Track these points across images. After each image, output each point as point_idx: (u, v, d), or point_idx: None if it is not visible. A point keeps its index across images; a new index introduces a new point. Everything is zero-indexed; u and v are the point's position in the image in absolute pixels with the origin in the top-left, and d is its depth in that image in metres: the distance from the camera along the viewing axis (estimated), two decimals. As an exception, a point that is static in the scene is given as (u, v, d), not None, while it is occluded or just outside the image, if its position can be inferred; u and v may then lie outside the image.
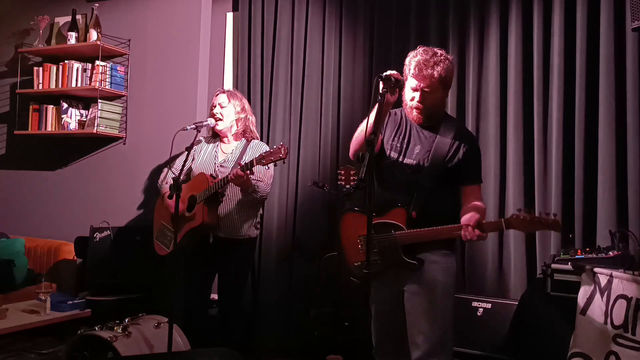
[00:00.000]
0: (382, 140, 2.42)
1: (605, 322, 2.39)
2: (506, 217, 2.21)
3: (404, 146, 2.39)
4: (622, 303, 2.35)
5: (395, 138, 2.42)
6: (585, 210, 3.15)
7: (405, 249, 2.30)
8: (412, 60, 2.32)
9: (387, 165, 2.39)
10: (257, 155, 3.27)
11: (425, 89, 2.30)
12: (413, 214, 2.29)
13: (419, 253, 2.32)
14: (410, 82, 2.33)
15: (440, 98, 2.36)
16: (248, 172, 3.00)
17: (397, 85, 2.25)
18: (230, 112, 3.34)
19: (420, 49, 2.34)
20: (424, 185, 2.31)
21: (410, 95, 2.34)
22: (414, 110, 2.35)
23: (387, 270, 2.35)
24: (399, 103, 2.41)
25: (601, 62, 3.13)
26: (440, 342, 2.29)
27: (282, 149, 2.91)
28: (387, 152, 2.40)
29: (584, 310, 2.46)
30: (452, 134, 2.35)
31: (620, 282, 2.37)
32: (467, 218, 2.21)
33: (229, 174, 3.04)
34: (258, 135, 3.50)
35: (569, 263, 2.61)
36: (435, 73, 2.27)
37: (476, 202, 2.32)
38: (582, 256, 2.64)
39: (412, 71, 2.31)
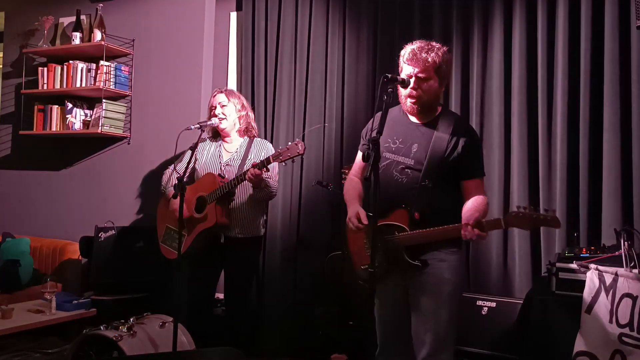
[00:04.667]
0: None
1: (611, 321, 2.39)
2: (504, 216, 2.14)
3: (401, 146, 2.35)
4: (627, 302, 2.35)
5: (389, 140, 2.37)
6: (590, 209, 3.15)
7: (408, 250, 2.26)
8: (407, 48, 2.33)
9: (383, 168, 2.33)
10: (263, 153, 3.30)
11: (420, 75, 2.27)
12: (416, 215, 2.24)
13: (425, 252, 2.28)
14: (405, 70, 2.31)
15: (435, 88, 2.31)
16: (264, 169, 3.01)
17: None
18: (231, 110, 3.36)
19: (415, 41, 2.35)
20: (425, 185, 2.26)
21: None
22: (408, 99, 2.31)
23: (392, 271, 2.33)
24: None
25: (606, 60, 3.13)
26: (445, 340, 2.29)
27: (299, 145, 2.90)
28: (382, 153, 2.34)
29: (589, 309, 2.46)
30: (451, 128, 2.31)
31: (626, 281, 2.37)
32: (466, 217, 2.17)
33: (246, 173, 3.04)
34: (257, 131, 3.51)
35: (574, 262, 2.61)
36: (430, 59, 2.26)
37: (477, 197, 2.27)
38: (587, 255, 2.64)
39: (406, 58, 2.30)
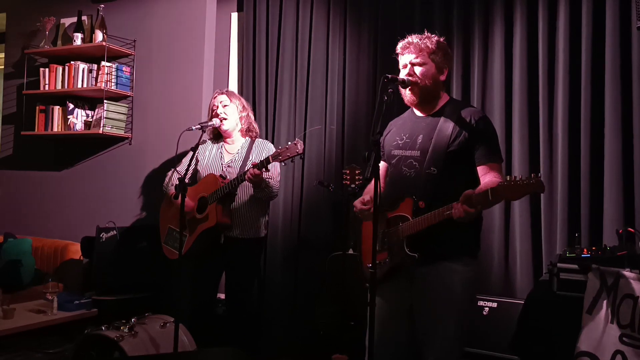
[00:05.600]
0: (384, 142, 2.43)
1: (612, 322, 2.38)
2: (492, 188, 1.99)
3: (407, 140, 2.34)
4: (628, 302, 2.35)
5: (397, 138, 2.38)
6: (592, 209, 3.14)
7: (410, 241, 2.20)
8: (400, 42, 2.36)
9: (394, 165, 2.35)
10: (264, 153, 3.30)
11: (414, 60, 2.28)
12: (420, 203, 2.19)
13: (436, 261, 2.21)
14: (401, 61, 2.33)
15: (433, 74, 2.29)
16: (264, 169, 3.02)
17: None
18: (233, 110, 3.37)
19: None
20: (430, 172, 2.23)
21: (403, 75, 2.31)
22: (406, 89, 2.31)
23: (399, 276, 2.27)
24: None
25: (606, 60, 3.13)
26: (454, 351, 2.24)
27: (299, 145, 2.90)
28: (391, 152, 2.37)
29: (590, 310, 2.45)
30: (457, 114, 2.27)
31: (627, 282, 2.37)
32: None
33: (246, 173, 3.04)
34: (258, 132, 3.52)
35: (576, 262, 2.60)
36: (422, 44, 2.29)
37: (488, 181, 2.13)
38: (589, 255, 2.63)
39: (400, 47, 2.33)
